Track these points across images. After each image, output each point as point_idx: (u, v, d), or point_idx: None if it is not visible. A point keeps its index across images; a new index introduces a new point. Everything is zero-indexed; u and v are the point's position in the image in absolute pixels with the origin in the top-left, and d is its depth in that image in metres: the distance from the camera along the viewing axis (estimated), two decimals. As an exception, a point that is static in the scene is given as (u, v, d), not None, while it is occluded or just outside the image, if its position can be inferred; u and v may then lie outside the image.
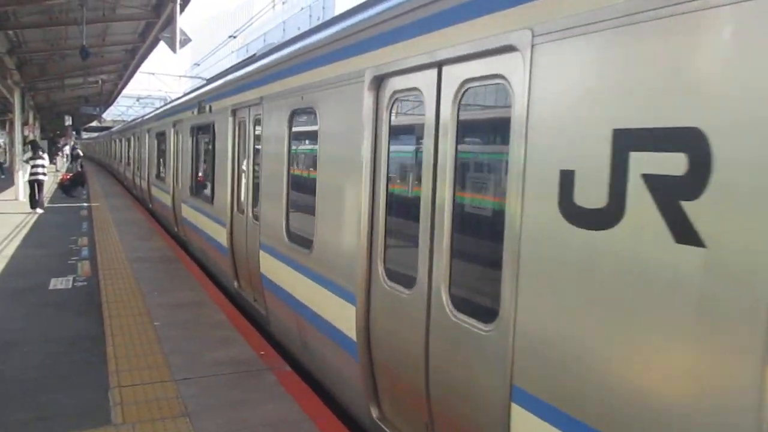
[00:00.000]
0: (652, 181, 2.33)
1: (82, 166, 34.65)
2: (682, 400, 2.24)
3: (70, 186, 25.29)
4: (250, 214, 8.02)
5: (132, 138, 26.23)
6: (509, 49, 3.12)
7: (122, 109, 74.09)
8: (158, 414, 4.94)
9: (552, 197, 2.79)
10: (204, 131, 11.07)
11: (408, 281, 4.14)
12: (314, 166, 5.74)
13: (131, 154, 26.43)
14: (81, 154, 40.10)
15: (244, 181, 8.48)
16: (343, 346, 5.03)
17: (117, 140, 36.23)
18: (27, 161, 19.61)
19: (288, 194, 6.51)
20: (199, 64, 43.59)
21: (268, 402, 5.19)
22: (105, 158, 49.46)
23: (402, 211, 4.41)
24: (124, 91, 41.00)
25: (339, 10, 51.13)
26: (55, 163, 45.06)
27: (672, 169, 2.25)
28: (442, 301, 3.76)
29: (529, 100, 2.94)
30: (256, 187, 7.82)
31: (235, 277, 8.96)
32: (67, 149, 52.10)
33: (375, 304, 4.57)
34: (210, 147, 10.32)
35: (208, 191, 10.52)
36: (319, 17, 61.87)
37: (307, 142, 6.46)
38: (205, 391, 5.40)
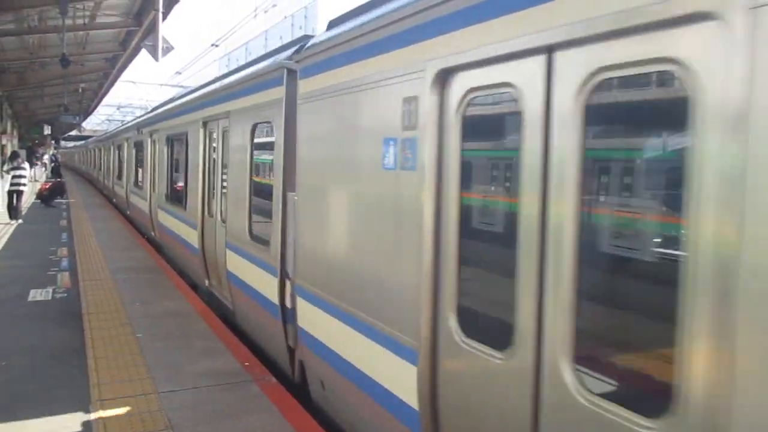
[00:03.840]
0: None
1: (60, 175, 34.06)
2: None
3: (49, 196, 24.91)
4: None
5: (111, 147, 26.30)
6: None
7: (102, 118, 73.36)
8: (141, 428, 4.87)
9: None
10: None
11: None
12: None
13: (110, 163, 26.57)
14: (46, 163, 38.71)
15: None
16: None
17: (96, 149, 35.93)
18: (8, 171, 19.33)
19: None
20: (180, 73, 43.27)
21: (252, 413, 5.15)
22: (84, 167, 49.06)
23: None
24: (105, 100, 40.58)
25: (322, 18, 51.15)
26: (33, 173, 44.30)
27: None
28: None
29: None
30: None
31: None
32: (46, 158, 51.36)
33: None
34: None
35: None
36: (301, 26, 61.78)
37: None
38: (189, 404, 5.33)
